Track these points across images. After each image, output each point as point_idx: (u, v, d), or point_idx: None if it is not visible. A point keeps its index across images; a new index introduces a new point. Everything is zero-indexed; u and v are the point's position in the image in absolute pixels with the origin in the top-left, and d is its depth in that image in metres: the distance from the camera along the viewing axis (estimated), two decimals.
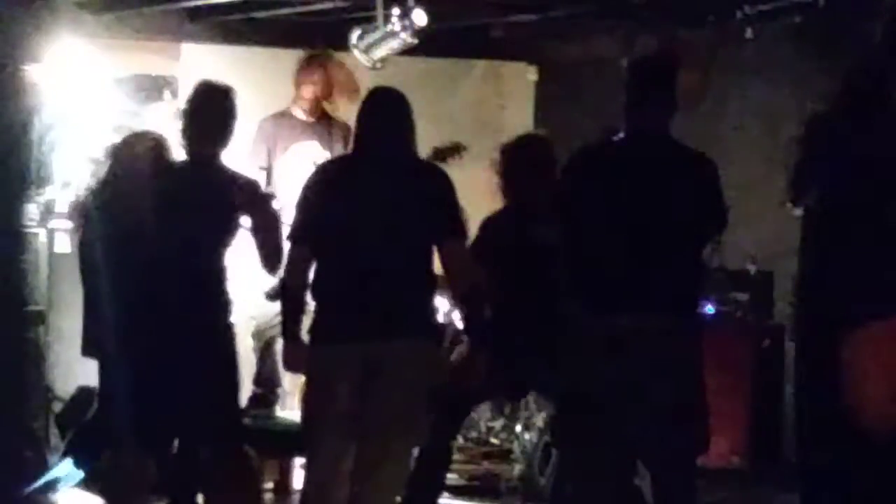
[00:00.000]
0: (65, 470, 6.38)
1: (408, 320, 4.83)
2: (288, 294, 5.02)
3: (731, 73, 8.34)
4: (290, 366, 5.19)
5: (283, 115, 7.29)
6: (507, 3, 8.23)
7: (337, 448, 4.84)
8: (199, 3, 8.16)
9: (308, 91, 7.21)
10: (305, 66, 7.24)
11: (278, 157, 7.19)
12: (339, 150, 6.93)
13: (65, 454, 6.46)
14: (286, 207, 6.54)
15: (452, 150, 6.70)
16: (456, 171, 7.00)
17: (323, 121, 7.27)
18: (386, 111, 5.05)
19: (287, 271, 5.01)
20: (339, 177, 5.08)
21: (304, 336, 5.04)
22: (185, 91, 8.23)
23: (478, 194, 7.44)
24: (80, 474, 6.30)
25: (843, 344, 2.59)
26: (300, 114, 7.26)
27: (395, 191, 4.91)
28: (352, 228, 4.87)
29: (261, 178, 6.86)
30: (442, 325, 6.81)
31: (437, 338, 5.42)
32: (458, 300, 5.15)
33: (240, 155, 7.02)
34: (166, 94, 8.28)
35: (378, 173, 4.93)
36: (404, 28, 7.09)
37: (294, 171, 6.89)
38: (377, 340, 4.76)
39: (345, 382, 4.79)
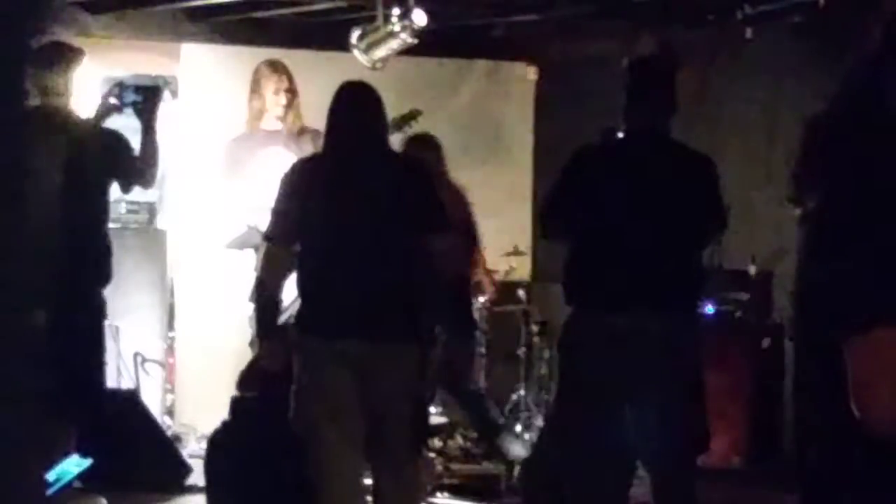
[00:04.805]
0: (71, 465, 6.37)
1: (395, 323, 4.76)
2: (265, 293, 4.99)
3: (731, 73, 8.34)
4: (270, 362, 5.14)
5: (248, 134, 7.05)
6: (507, 3, 8.23)
7: (340, 433, 4.74)
8: (199, 3, 8.16)
9: (279, 98, 6.96)
10: (273, 72, 7.03)
11: (247, 168, 6.98)
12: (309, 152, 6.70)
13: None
14: (261, 212, 6.50)
15: (409, 117, 6.63)
16: (460, 172, 7.05)
17: (289, 127, 7.00)
18: (359, 106, 4.95)
19: (264, 270, 4.98)
20: (318, 175, 4.97)
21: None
22: (185, 91, 8.27)
23: (480, 193, 7.46)
24: (87, 463, 6.30)
25: (848, 348, 2.58)
26: (268, 124, 6.99)
27: (375, 187, 4.83)
28: (334, 227, 4.80)
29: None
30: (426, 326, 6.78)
31: (421, 340, 5.40)
32: (444, 294, 5.11)
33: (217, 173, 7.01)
34: (166, 94, 8.26)
35: (356, 170, 4.85)
36: (404, 28, 7.08)
37: (265, 177, 6.76)
38: (368, 341, 4.71)
39: (341, 375, 4.72)
